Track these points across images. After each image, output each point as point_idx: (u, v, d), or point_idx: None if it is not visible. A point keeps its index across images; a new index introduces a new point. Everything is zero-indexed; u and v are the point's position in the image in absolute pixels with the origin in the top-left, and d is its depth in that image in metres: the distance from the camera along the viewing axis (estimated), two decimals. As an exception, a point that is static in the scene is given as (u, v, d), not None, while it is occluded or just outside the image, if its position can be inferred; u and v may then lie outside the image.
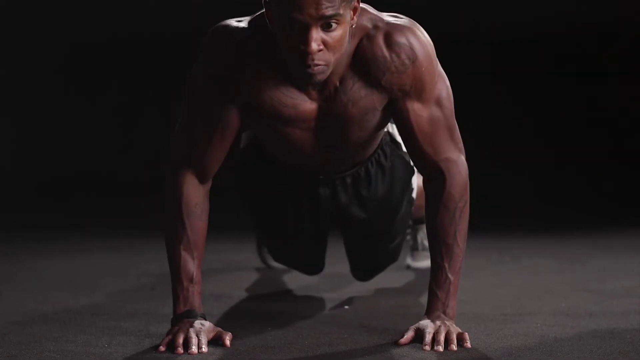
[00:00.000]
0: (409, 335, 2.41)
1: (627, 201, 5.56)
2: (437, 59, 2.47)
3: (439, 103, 2.47)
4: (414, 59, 2.42)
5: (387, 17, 2.46)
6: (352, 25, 2.35)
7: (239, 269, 3.62)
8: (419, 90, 2.44)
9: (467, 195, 2.50)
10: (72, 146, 6.22)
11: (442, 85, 2.49)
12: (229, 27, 2.46)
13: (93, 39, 6.30)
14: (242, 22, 2.47)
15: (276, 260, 3.11)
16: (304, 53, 2.28)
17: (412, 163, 2.79)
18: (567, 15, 6.13)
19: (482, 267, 3.59)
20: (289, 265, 3.12)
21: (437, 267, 2.48)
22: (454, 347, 2.36)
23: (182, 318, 2.43)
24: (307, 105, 2.46)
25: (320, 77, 2.34)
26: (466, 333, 2.41)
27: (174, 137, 2.56)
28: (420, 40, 2.43)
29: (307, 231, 2.85)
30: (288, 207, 2.81)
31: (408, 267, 3.56)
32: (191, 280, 2.48)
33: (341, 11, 2.27)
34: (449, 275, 2.47)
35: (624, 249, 4.05)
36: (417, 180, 2.94)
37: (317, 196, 2.76)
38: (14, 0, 6.23)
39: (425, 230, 3.51)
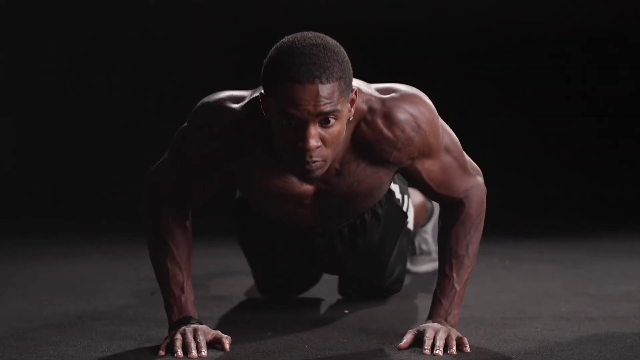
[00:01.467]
0: (409, 339, 2.41)
1: (627, 206, 5.56)
2: (438, 116, 2.43)
3: (447, 150, 2.46)
4: (417, 129, 2.38)
5: (379, 93, 2.40)
6: (349, 118, 2.30)
7: (238, 273, 3.62)
8: (427, 152, 2.43)
9: (483, 212, 2.52)
10: (72, 150, 6.22)
11: (446, 134, 2.47)
12: (224, 105, 2.39)
13: (92, 39, 6.30)
14: (237, 103, 2.39)
15: (264, 292, 3.11)
16: (302, 150, 2.23)
17: (405, 208, 2.84)
18: (572, 15, 6.13)
19: (482, 271, 3.59)
20: (277, 295, 3.13)
21: (444, 276, 2.49)
22: (454, 351, 2.36)
23: (179, 324, 2.44)
24: (303, 188, 2.45)
25: (318, 173, 2.29)
26: (465, 338, 2.41)
27: (155, 173, 2.54)
28: (418, 108, 2.39)
29: (302, 274, 2.88)
30: (283, 255, 2.82)
31: (407, 272, 3.56)
32: (182, 290, 2.48)
33: (339, 107, 2.22)
34: (455, 285, 2.48)
35: (624, 253, 4.05)
36: (412, 200, 2.97)
37: (313, 246, 2.76)
38: (13, 1, 6.23)
39: (423, 235, 3.53)
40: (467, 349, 2.38)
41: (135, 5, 6.23)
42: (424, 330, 2.41)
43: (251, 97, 2.39)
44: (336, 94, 2.20)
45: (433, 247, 3.55)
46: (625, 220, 5.10)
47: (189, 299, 2.48)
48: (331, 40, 2.26)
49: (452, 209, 2.52)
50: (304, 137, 2.22)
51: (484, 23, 6.16)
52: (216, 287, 3.32)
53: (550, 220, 5.12)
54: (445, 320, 2.46)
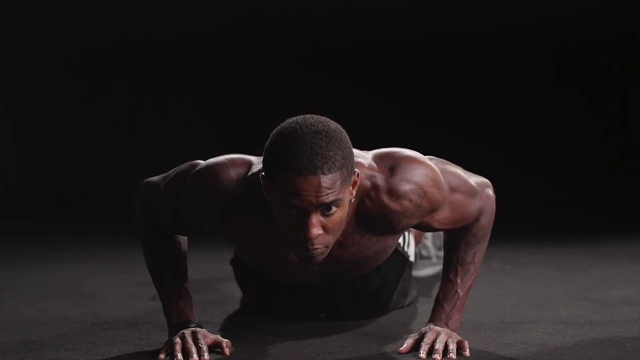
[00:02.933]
0: (409, 343, 2.41)
1: (627, 210, 5.56)
2: (437, 171, 2.40)
3: (453, 191, 2.44)
4: (424, 194, 2.36)
5: (378, 165, 2.36)
6: (351, 200, 2.27)
7: (239, 278, 3.62)
8: (436, 207, 2.41)
9: (493, 220, 2.53)
10: (71, 155, 6.22)
11: (448, 176, 2.44)
12: (225, 178, 2.36)
13: (92, 43, 6.31)
14: (237, 177, 2.36)
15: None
16: (304, 238, 2.21)
17: (406, 252, 2.84)
18: (575, 15, 6.13)
19: (482, 275, 3.58)
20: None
21: (448, 281, 2.49)
22: (453, 355, 2.36)
23: (179, 328, 2.44)
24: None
25: (320, 259, 2.27)
26: (466, 341, 2.41)
27: (152, 194, 2.51)
28: (419, 173, 2.37)
29: (301, 313, 2.87)
30: (282, 301, 2.80)
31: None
32: (180, 294, 2.48)
33: (341, 195, 2.20)
34: (459, 291, 2.48)
35: (624, 257, 4.05)
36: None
37: (312, 294, 2.76)
38: (12, 10, 6.24)
39: (422, 241, 3.53)
40: (467, 352, 2.38)
41: (135, 10, 6.23)
42: (425, 333, 2.41)
43: (252, 172, 2.35)
44: (338, 183, 2.18)
45: (433, 252, 3.55)
46: (625, 224, 5.10)
47: (187, 303, 2.48)
48: (333, 125, 2.22)
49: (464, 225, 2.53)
50: (305, 226, 2.20)
51: (484, 23, 6.16)
52: (216, 291, 3.32)
53: (550, 224, 5.12)
54: (446, 324, 2.46)
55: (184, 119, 6.35)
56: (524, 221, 5.12)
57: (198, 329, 2.42)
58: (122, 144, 6.31)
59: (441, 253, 3.48)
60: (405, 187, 2.34)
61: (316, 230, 2.20)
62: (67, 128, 6.31)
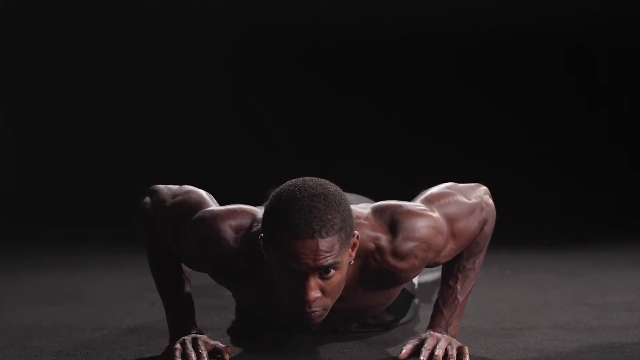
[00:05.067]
0: (409, 349, 2.41)
1: (626, 215, 5.56)
2: (437, 217, 2.38)
3: (452, 221, 2.41)
4: (428, 247, 2.36)
5: (380, 224, 2.34)
6: (350, 262, 2.26)
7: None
8: (440, 250, 2.40)
9: (493, 228, 2.52)
10: (71, 159, 6.22)
11: (446, 209, 2.42)
12: (224, 236, 2.33)
13: (91, 46, 6.31)
14: (238, 233, 2.34)
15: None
16: (302, 301, 2.20)
17: (415, 285, 2.87)
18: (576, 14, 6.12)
19: (482, 281, 3.58)
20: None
21: (447, 287, 2.49)
22: (453, 361, 2.36)
23: (180, 334, 2.44)
24: None
25: (318, 321, 2.26)
26: (466, 347, 2.41)
27: (156, 211, 2.51)
28: (420, 226, 2.35)
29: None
30: (278, 325, 2.80)
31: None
32: (183, 300, 2.48)
33: (339, 258, 2.19)
34: (458, 297, 2.48)
35: (623, 263, 4.05)
36: None
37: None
38: (10, 11, 6.24)
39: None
40: (467, 358, 2.37)
41: (134, 10, 6.23)
42: (424, 339, 2.41)
43: (254, 230, 2.33)
44: (336, 246, 2.17)
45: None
46: (624, 230, 5.10)
47: (189, 309, 2.48)
48: (332, 188, 2.22)
49: None
50: (303, 289, 2.19)
51: (484, 23, 6.16)
52: (216, 297, 3.32)
53: (549, 230, 5.12)
54: (446, 330, 2.46)
55: (184, 120, 6.34)
56: (523, 227, 5.12)
57: (199, 335, 2.42)
58: (123, 148, 6.31)
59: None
60: (410, 246, 2.33)
61: (314, 294, 2.19)
62: (68, 131, 6.30)
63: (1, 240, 4.82)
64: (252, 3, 6.24)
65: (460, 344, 2.42)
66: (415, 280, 2.93)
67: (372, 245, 2.32)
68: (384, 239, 2.33)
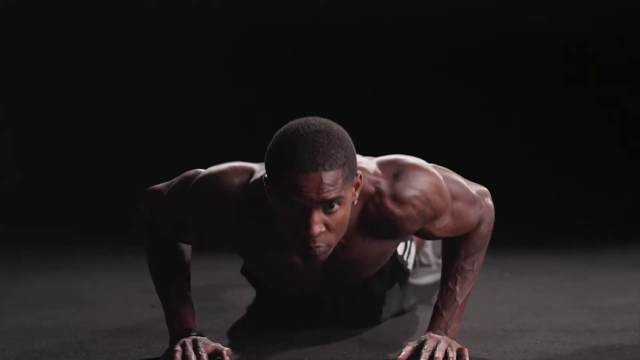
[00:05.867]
0: (408, 351, 2.41)
1: (626, 217, 5.56)
2: (440, 178, 2.42)
3: (454, 199, 2.45)
4: (427, 201, 2.39)
5: (383, 171, 2.38)
6: (353, 202, 2.29)
7: (239, 286, 3.61)
8: (438, 215, 2.43)
9: (491, 230, 2.53)
10: (71, 162, 6.22)
11: (450, 183, 2.45)
12: (227, 186, 2.38)
13: (92, 46, 6.31)
14: (238, 184, 2.38)
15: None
16: (306, 236, 2.22)
17: (408, 265, 2.86)
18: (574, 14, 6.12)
19: (482, 283, 3.58)
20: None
21: (447, 289, 2.50)
22: (453, 363, 2.37)
23: (180, 336, 2.44)
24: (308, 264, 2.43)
25: (322, 257, 2.28)
26: (466, 349, 2.41)
27: (155, 203, 2.53)
28: (423, 180, 2.39)
29: (303, 317, 2.88)
30: (284, 302, 2.81)
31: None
32: (183, 301, 2.49)
33: (343, 193, 2.21)
34: (457, 299, 2.49)
35: (623, 265, 4.05)
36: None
37: (315, 299, 2.77)
38: (11, 14, 6.24)
39: (423, 248, 3.53)
40: (467, 360, 2.38)
41: (134, 11, 6.23)
42: (424, 341, 2.41)
43: (255, 179, 2.37)
44: (340, 181, 2.20)
45: (433, 260, 3.55)
46: (624, 232, 5.10)
47: (189, 311, 2.48)
48: (335, 126, 2.24)
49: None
50: (307, 223, 2.20)
51: (484, 23, 6.16)
52: (216, 299, 3.32)
53: (550, 232, 5.13)
54: (445, 332, 2.46)
55: (184, 121, 6.35)
56: (523, 229, 5.12)
57: (199, 337, 2.42)
58: (123, 149, 6.31)
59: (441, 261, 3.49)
60: (409, 193, 2.36)
61: (318, 228, 2.21)
62: (68, 133, 6.31)
63: (1, 242, 4.82)
64: (252, 3, 6.24)
65: (460, 345, 2.43)
66: (411, 260, 2.93)
67: (372, 189, 2.36)
68: (384, 183, 2.37)
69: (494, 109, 6.25)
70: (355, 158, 2.25)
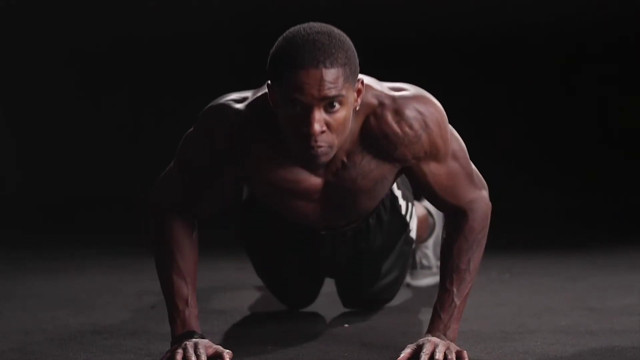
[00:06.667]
0: (407, 353, 2.41)
1: (626, 219, 5.56)
2: (447, 120, 2.46)
3: (454, 156, 2.48)
4: (425, 127, 2.41)
5: (390, 90, 2.44)
6: (355, 108, 2.33)
7: (239, 288, 3.62)
8: (434, 153, 2.45)
9: (487, 227, 2.53)
10: (72, 164, 6.22)
11: (454, 140, 2.49)
12: (229, 108, 2.43)
13: (92, 48, 6.31)
14: (242, 103, 2.43)
15: (271, 291, 3.12)
16: (307, 135, 2.26)
17: (408, 218, 2.86)
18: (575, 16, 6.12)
19: (481, 285, 3.59)
20: (281, 298, 3.12)
21: (444, 290, 2.49)
22: (453, 365, 2.37)
23: (182, 338, 2.44)
24: (312, 180, 2.46)
25: (324, 159, 2.32)
26: (465, 351, 2.41)
27: (162, 182, 2.56)
28: (428, 107, 2.43)
29: (305, 274, 2.89)
30: (287, 255, 2.83)
31: (408, 286, 3.56)
32: (186, 303, 2.48)
33: (344, 92, 2.25)
34: (455, 300, 2.48)
35: (624, 267, 4.05)
36: (416, 212, 2.98)
37: (317, 247, 2.78)
38: (12, 16, 6.24)
39: (424, 250, 3.54)
40: (467, 363, 2.38)
41: (133, 12, 6.23)
42: (423, 344, 2.41)
43: (255, 96, 2.43)
44: (341, 79, 2.24)
45: (434, 262, 3.55)
46: (624, 233, 5.10)
47: (192, 313, 2.48)
48: (337, 30, 2.29)
49: (455, 220, 2.52)
50: (308, 121, 2.25)
51: (484, 23, 6.16)
52: (217, 301, 3.32)
53: (550, 233, 5.12)
54: (444, 334, 2.46)
55: (184, 122, 6.34)
56: (523, 230, 5.13)
57: (200, 340, 2.42)
58: (123, 152, 6.31)
59: (440, 263, 3.49)
60: (410, 113, 2.40)
61: (319, 126, 2.25)
62: (67, 134, 6.31)
63: (1, 243, 4.82)
64: (252, 3, 6.24)
65: (459, 348, 2.42)
66: (413, 227, 2.93)
67: (375, 102, 2.40)
68: (388, 98, 2.41)
69: (494, 110, 6.25)
70: (356, 62, 2.29)
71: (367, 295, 3.04)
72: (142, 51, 6.30)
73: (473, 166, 2.54)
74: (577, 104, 6.20)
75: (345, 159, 2.41)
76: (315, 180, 2.47)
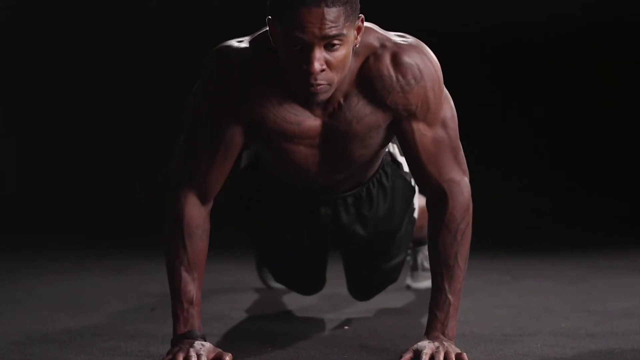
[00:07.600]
0: (407, 356, 2.40)
1: (627, 221, 5.56)
2: (442, 81, 2.48)
3: (444, 124, 2.48)
4: (419, 79, 2.43)
5: (394, 36, 2.47)
6: (355, 45, 2.36)
7: (239, 290, 3.62)
8: (424, 111, 2.45)
9: (469, 217, 2.50)
10: (71, 166, 6.22)
11: (447, 107, 2.50)
12: (231, 47, 2.46)
13: (91, 50, 6.31)
14: (244, 42, 2.46)
15: (276, 278, 3.11)
16: (307, 73, 2.29)
17: (413, 182, 2.83)
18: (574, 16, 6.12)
19: (481, 287, 3.59)
20: (288, 284, 3.11)
21: (437, 288, 2.48)
22: (452, 368, 2.36)
23: (183, 338, 2.43)
24: (311, 121, 2.47)
25: (323, 97, 2.35)
26: (465, 353, 2.40)
27: (175, 159, 2.55)
28: (426, 61, 2.44)
29: (307, 249, 2.86)
30: (288, 226, 2.81)
31: (408, 288, 3.56)
32: (191, 301, 2.48)
33: (345, 31, 2.28)
34: (449, 296, 2.47)
35: (624, 269, 4.05)
36: (418, 201, 2.95)
37: (318, 215, 2.76)
38: (11, 21, 6.24)
39: (425, 252, 3.52)
40: (466, 364, 2.38)
41: (133, 12, 6.23)
42: (423, 347, 2.40)
43: (255, 35, 2.46)
44: (342, 18, 2.27)
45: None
46: (625, 236, 5.10)
47: (196, 313, 2.47)
48: None
49: (436, 211, 2.50)
50: (309, 60, 2.27)
51: (484, 23, 6.15)
52: (216, 303, 3.32)
53: (549, 236, 5.12)
54: (443, 333, 2.45)
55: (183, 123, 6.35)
56: (523, 233, 5.13)
57: (201, 341, 2.42)
58: (123, 153, 6.31)
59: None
60: (408, 60, 2.42)
61: (319, 65, 2.28)
62: (68, 136, 6.31)
63: (1, 245, 4.82)
64: (252, 3, 6.24)
65: (458, 350, 2.42)
66: (416, 203, 2.93)
67: (376, 43, 2.43)
68: (390, 42, 2.44)
69: (494, 110, 6.25)
70: (357, 0, 2.32)
71: (378, 277, 3.00)
72: (142, 52, 6.31)
73: (460, 146, 2.53)
74: (577, 105, 6.20)
75: (342, 100, 2.43)
76: (314, 122, 2.46)
